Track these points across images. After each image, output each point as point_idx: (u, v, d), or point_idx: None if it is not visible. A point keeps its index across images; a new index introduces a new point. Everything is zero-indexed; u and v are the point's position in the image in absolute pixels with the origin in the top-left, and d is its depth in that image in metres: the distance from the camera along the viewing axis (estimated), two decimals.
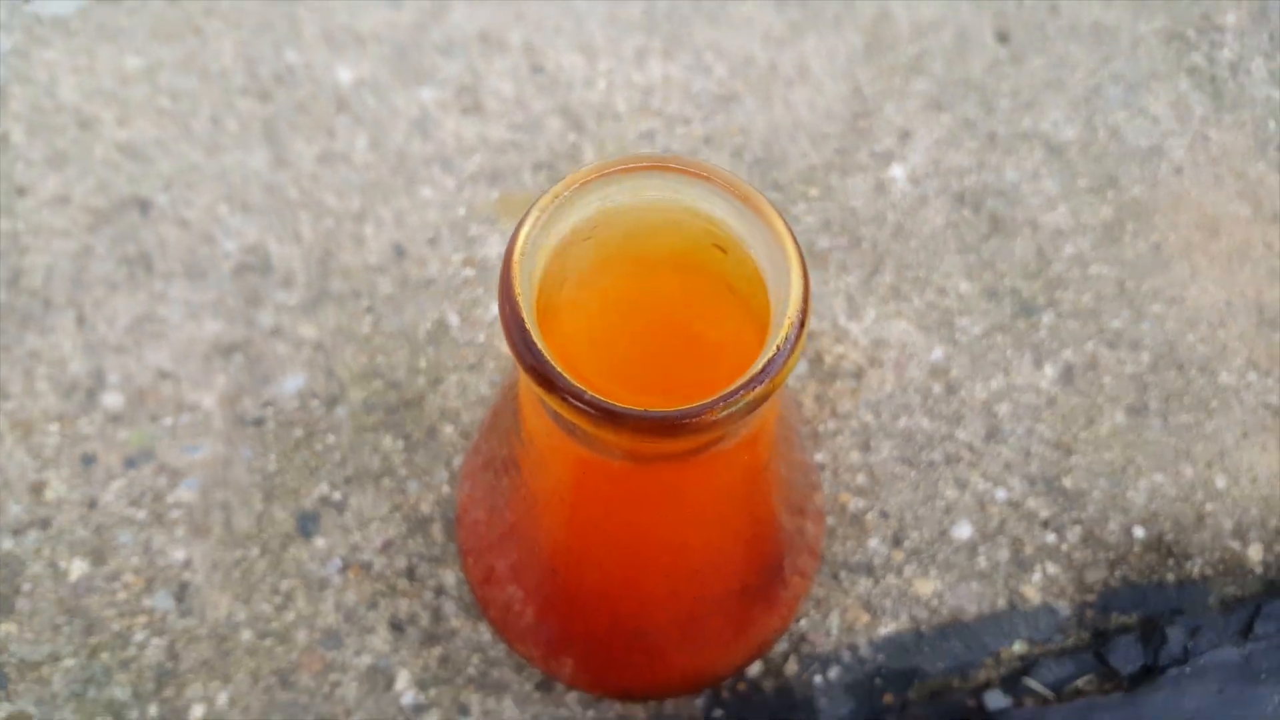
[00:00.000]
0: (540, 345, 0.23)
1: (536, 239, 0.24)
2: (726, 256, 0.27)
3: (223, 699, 0.42)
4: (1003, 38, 0.58)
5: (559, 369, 0.23)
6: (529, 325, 0.23)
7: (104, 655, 0.43)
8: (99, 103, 0.54)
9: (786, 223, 0.24)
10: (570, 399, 0.23)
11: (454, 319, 0.49)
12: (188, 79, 0.55)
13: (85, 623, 0.43)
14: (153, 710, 0.42)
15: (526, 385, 0.27)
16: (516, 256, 0.23)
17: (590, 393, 0.23)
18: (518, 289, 0.23)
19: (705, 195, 0.25)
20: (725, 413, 0.23)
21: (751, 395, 0.23)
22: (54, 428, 0.46)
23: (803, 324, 0.23)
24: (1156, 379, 0.50)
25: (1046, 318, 0.51)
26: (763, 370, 0.23)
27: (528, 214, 0.24)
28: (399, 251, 0.51)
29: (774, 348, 0.23)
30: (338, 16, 0.56)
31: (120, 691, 0.42)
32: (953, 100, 0.56)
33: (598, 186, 0.25)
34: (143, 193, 0.52)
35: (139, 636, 0.43)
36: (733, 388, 0.23)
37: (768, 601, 0.37)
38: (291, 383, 0.48)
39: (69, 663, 0.43)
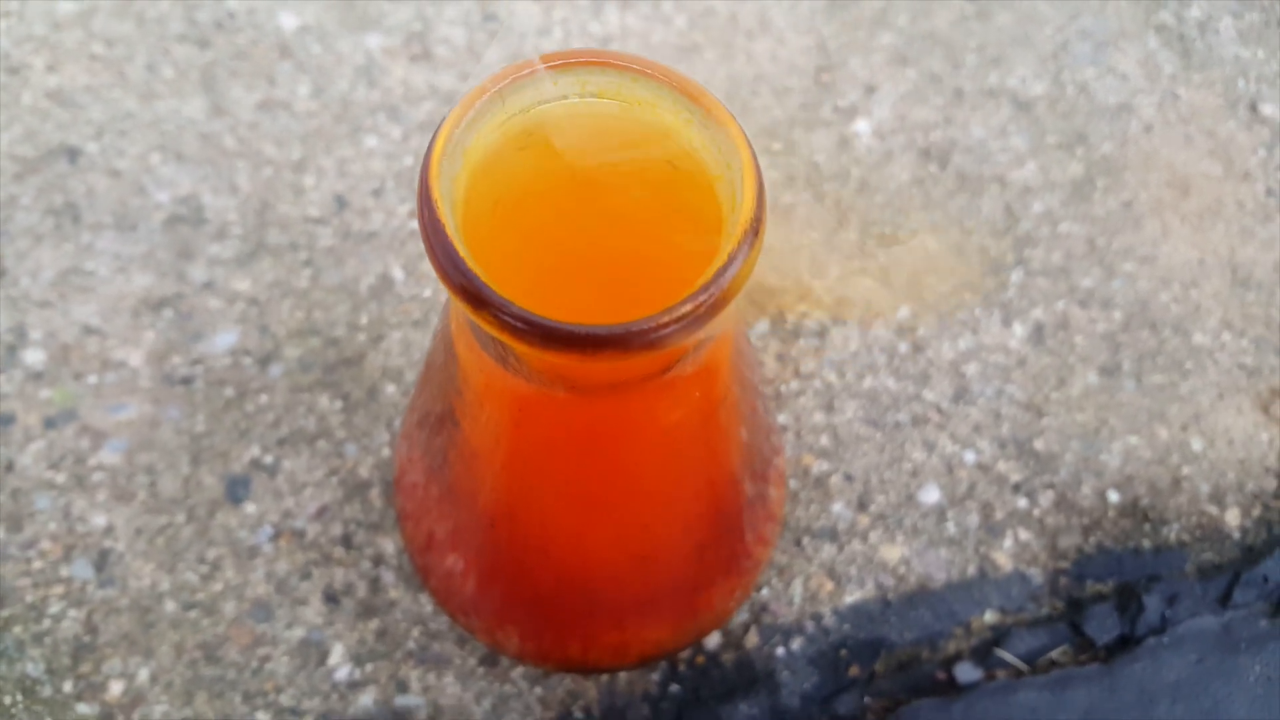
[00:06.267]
0: (464, 254, 0.20)
1: (461, 137, 0.21)
2: (678, 172, 0.24)
3: (144, 674, 0.40)
4: None
5: (486, 281, 0.21)
6: (450, 232, 0.20)
7: (16, 628, 0.40)
8: (29, 48, 0.51)
9: (739, 125, 0.22)
10: (501, 314, 0.20)
11: (398, 273, 0.47)
12: (123, 24, 0.52)
13: None
14: (68, 686, 0.39)
15: (455, 311, 0.24)
16: (437, 155, 0.21)
17: (521, 307, 0.20)
18: (437, 191, 0.20)
19: (653, 96, 0.23)
20: (674, 327, 0.20)
21: (704, 302, 0.20)
22: None
23: (757, 229, 0.21)
24: (1129, 338, 0.48)
25: (1015, 276, 0.49)
26: (715, 277, 0.20)
27: (452, 110, 0.21)
28: (341, 202, 0.48)
29: (725, 255, 0.20)
30: None
31: (33, 667, 0.40)
32: (918, 55, 0.54)
33: (531, 83, 0.22)
34: (72, 141, 0.49)
35: (55, 608, 0.40)
36: (683, 299, 0.20)
37: (726, 565, 0.35)
38: (223, 340, 0.45)
39: None
